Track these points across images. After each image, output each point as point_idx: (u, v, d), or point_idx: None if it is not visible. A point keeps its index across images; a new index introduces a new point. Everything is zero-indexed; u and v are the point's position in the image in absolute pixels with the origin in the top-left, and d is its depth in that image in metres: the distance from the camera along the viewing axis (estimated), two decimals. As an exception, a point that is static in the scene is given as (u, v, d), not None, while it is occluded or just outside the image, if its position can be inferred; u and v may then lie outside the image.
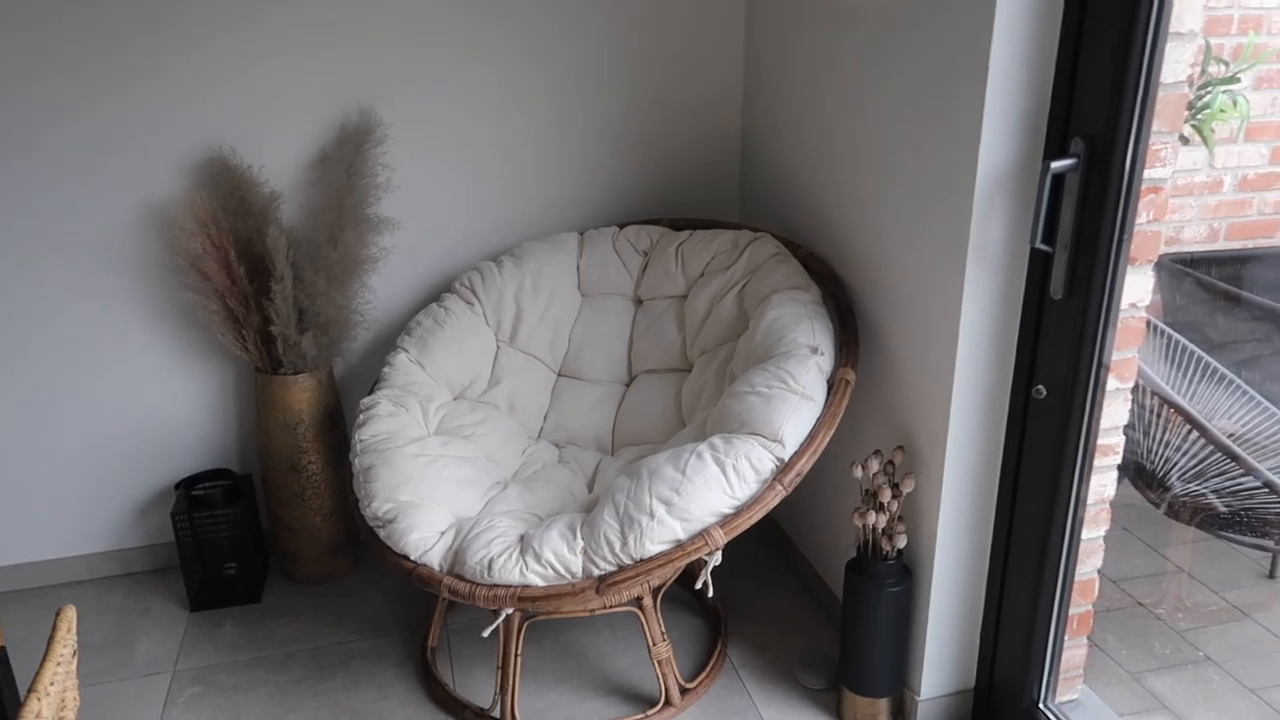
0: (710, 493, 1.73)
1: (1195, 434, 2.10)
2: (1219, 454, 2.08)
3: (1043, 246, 1.58)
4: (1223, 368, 2.35)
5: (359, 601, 2.43)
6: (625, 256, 2.39)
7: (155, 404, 2.45)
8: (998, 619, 1.88)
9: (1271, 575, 2.40)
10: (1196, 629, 2.24)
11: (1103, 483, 1.72)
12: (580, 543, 1.74)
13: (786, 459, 1.78)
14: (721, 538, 1.72)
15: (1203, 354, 2.36)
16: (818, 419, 1.83)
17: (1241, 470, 2.07)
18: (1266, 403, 2.30)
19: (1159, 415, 2.16)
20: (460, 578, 1.77)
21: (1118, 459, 1.72)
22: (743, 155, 2.59)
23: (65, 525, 2.49)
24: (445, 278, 2.52)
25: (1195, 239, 2.43)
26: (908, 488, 1.83)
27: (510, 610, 1.77)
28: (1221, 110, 2.24)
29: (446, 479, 1.95)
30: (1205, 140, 2.26)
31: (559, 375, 2.40)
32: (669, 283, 2.32)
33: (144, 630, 2.33)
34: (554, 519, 1.82)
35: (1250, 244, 2.46)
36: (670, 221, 2.46)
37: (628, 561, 1.72)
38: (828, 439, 1.83)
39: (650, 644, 1.95)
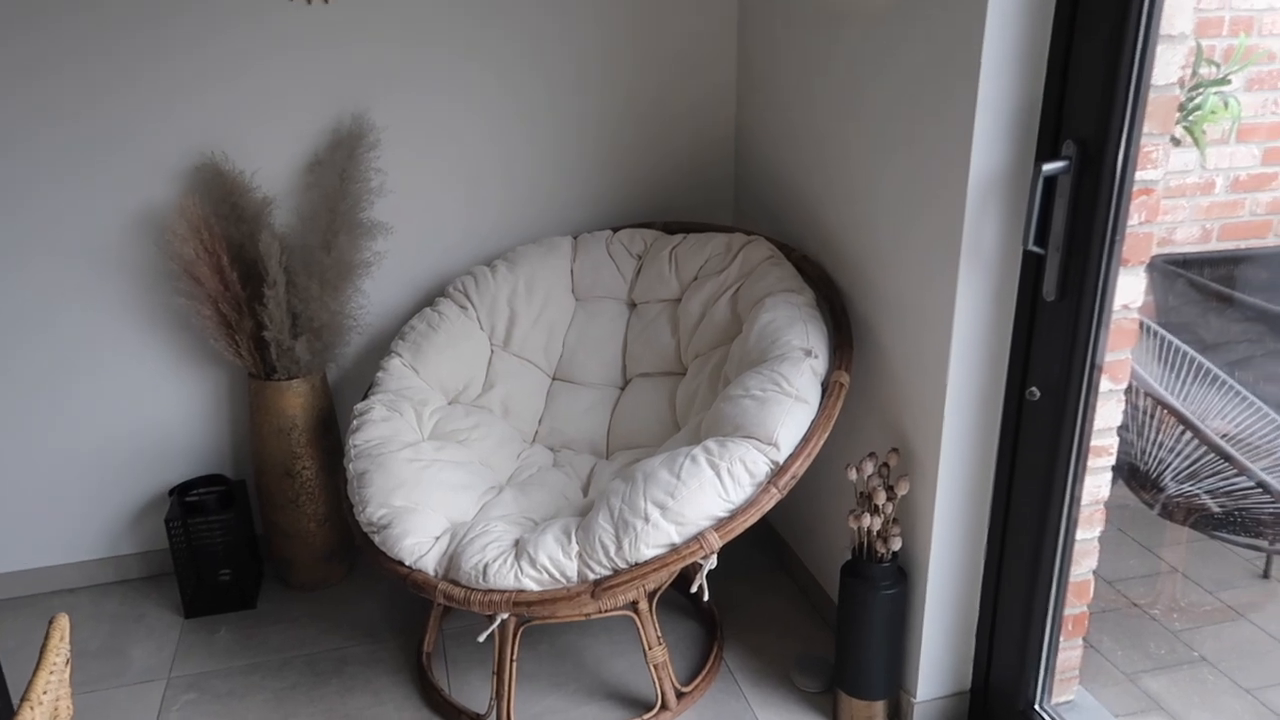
0: (705, 496, 1.73)
1: (1189, 435, 2.10)
2: (1212, 454, 2.09)
3: (1035, 248, 1.58)
4: (1216, 368, 2.35)
5: (354, 607, 2.42)
6: (619, 260, 2.39)
7: (148, 410, 2.44)
8: (993, 621, 1.88)
9: (1265, 575, 2.41)
10: (1191, 629, 2.25)
11: (1097, 484, 1.72)
12: (575, 547, 1.74)
13: (781, 462, 1.78)
14: (716, 541, 1.72)
15: (1196, 355, 2.36)
16: (812, 422, 1.83)
17: (1235, 471, 2.07)
18: (1259, 403, 2.30)
19: (1152, 416, 2.16)
20: (455, 583, 1.77)
21: (1111, 460, 1.72)
22: (736, 159, 2.59)
23: (59, 532, 2.48)
24: (439, 282, 2.52)
25: (1187, 240, 2.43)
26: (902, 490, 1.83)
27: (506, 615, 1.77)
28: (1213, 112, 2.24)
29: (441, 484, 1.95)
30: (1197, 142, 2.27)
31: (553, 379, 2.39)
32: (663, 286, 2.32)
33: (138, 637, 2.33)
34: (549, 523, 1.82)
35: (1243, 245, 2.47)
36: (664, 225, 2.46)
37: (623, 565, 1.72)
38: (822, 442, 1.83)
39: (646, 648, 1.95)
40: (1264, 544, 2.20)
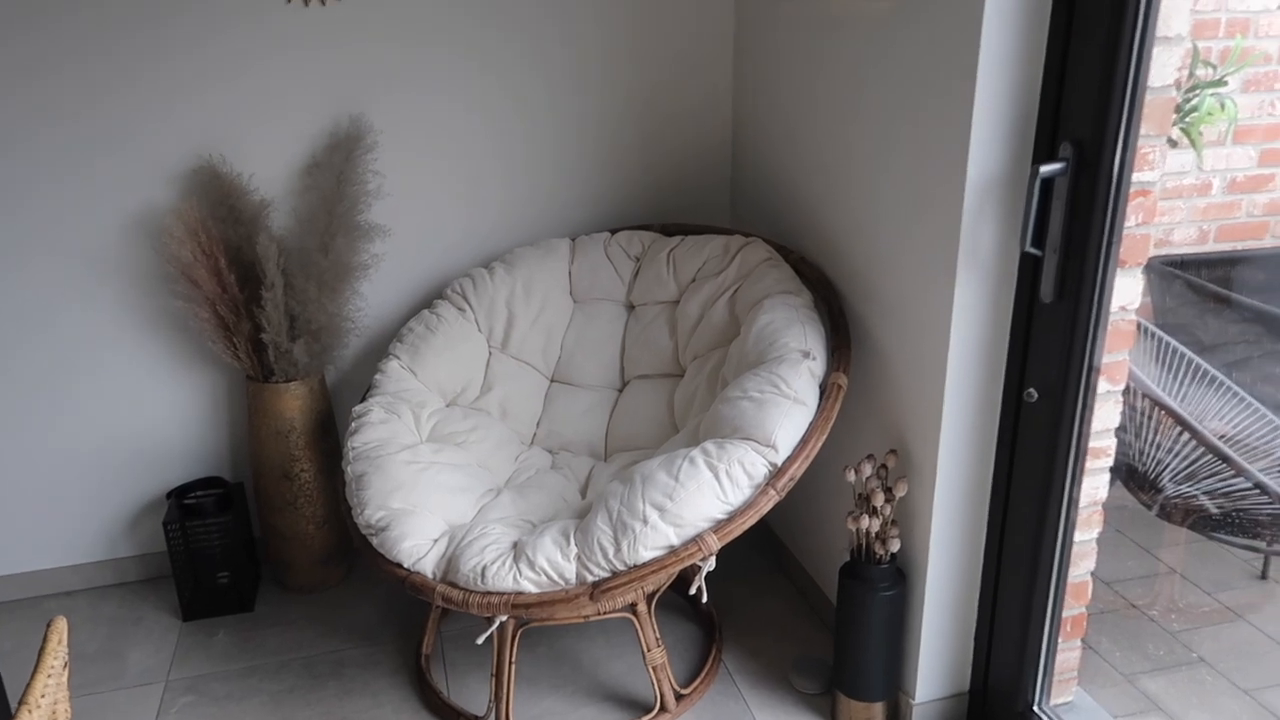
0: (703, 498, 1.73)
1: (1186, 436, 2.10)
2: (1210, 455, 2.09)
3: (1032, 250, 1.58)
4: (1213, 369, 2.36)
5: (352, 610, 2.42)
6: (617, 262, 2.39)
7: (146, 412, 2.44)
8: (992, 622, 1.88)
9: (1263, 576, 2.41)
10: (1190, 630, 2.25)
11: (1095, 485, 1.72)
12: (574, 549, 1.74)
13: (779, 464, 1.78)
14: (715, 543, 1.72)
15: (1193, 356, 2.37)
16: (810, 423, 1.83)
17: (1233, 472, 2.08)
18: (1257, 404, 2.30)
19: (1150, 417, 2.16)
20: (454, 585, 1.77)
21: (1109, 461, 1.72)
22: (734, 160, 2.60)
23: (56, 535, 2.48)
24: (437, 284, 2.52)
25: (1185, 241, 2.44)
26: (901, 491, 1.83)
27: (504, 617, 1.77)
28: (1209, 113, 2.25)
29: (439, 486, 1.95)
30: (1193, 143, 2.27)
31: (551, 381, 2.39)
32: (661, 288, 2.32)
33: (136, 640, 2.32)
34: (547, 525, 1.82)
35: (1240, 246, 2.47)
36: (662, 227, 2.46)
37: (621, 568, 1.72)
38: (820, 443, 1.83)
39: (645, 650, 1.95)
40: (1262, 545, 2.20)
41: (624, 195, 2.57)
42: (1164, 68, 1.45)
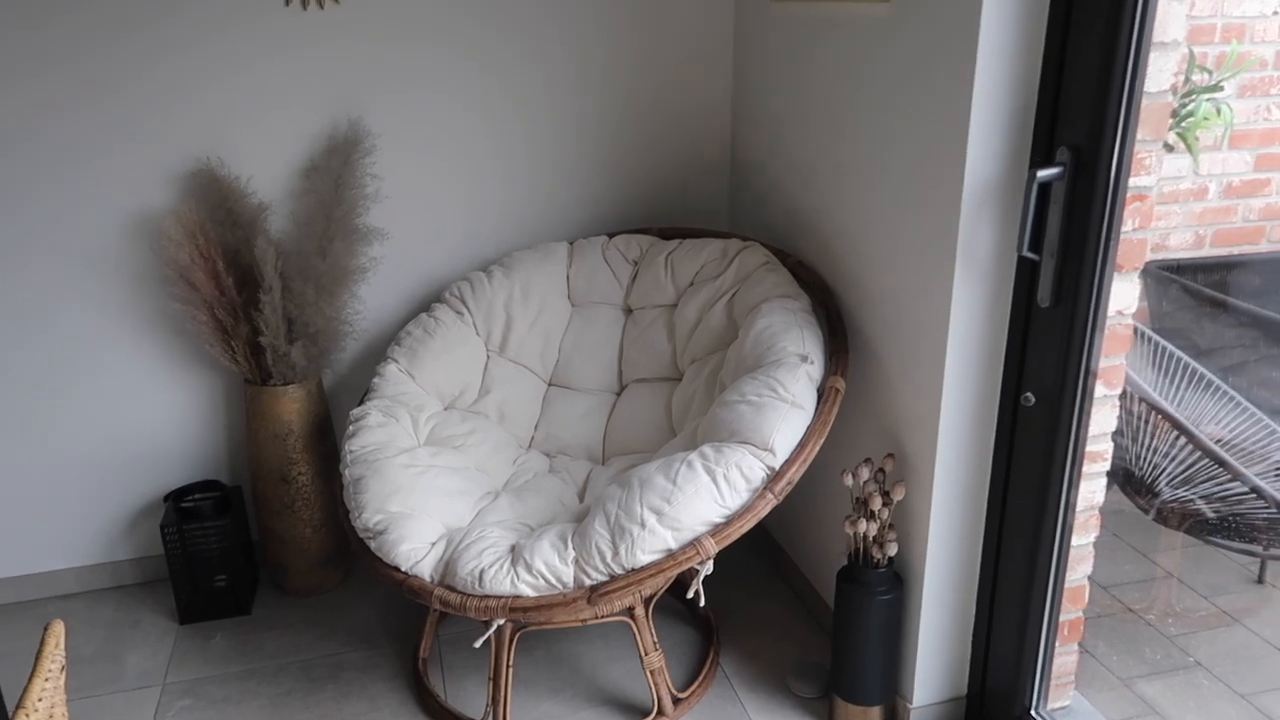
0: (701, 502, 1.73)
1: (1183, 440, 2.11)
2: (1207, 460, 2.09)
3: (1030, 254, 1.59)
4: (1210, 374, 2.36)
5: (350, 613, 2.42)
6: (615, 266, 2.39)
7: (144, 415, 2.44)
8: (989, 626, 1.89)
9: (1260, 580, 2.41)
10: (1186, 634, 2.25)
11: (1092, 489, 1.73)
12: (572, 553, 1.74)
13: (777, 467, 1.78)
14: (713, 547, 1.72)
15: (1190, 360, 2.37)
16: (808, 427, 1.83)
17: (1229, 476, 2.08)
18: (1253, 408, 2.31)
19: (1147, 421, 2.17)
20: (451, 589, 1.77)
21: (1106, 465, 1.72)
22: (732, 164, 2.60)
23: (54, 538, 2.47)
24: (435, 288, 2.52)
25: (1181, 246, 2.44)
26: (898, 495, 1.83)
27: (502, 621, 1.77)
28: (1205, 118, 2.25)
29: (437, 489, 1.95)
30: (1190, 148, 2.28)
31: (549, 385, 2.40)
32: (659, 292, 2.32)
33: (134, 643, 2.32)
34: (545, 529, 1.82)
35: (1236, 250, 2.48)
36: (659, 230, 2.47)
37: (619, 571, 1.72)
38: (818, 447, 1.83)
39: (642, 653, 1.95)
40: (1258, 549, 2.20)
41: (622, 198, 2.57)
42: (1160, 73, 1.46)
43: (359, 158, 2.31)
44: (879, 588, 1.87)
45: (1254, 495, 2.08)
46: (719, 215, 2.66)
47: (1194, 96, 2.23)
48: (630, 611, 1.91)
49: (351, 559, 2.59)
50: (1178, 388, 2.37)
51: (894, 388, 1.89)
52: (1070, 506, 1.70)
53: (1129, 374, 1.80)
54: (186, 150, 2.26)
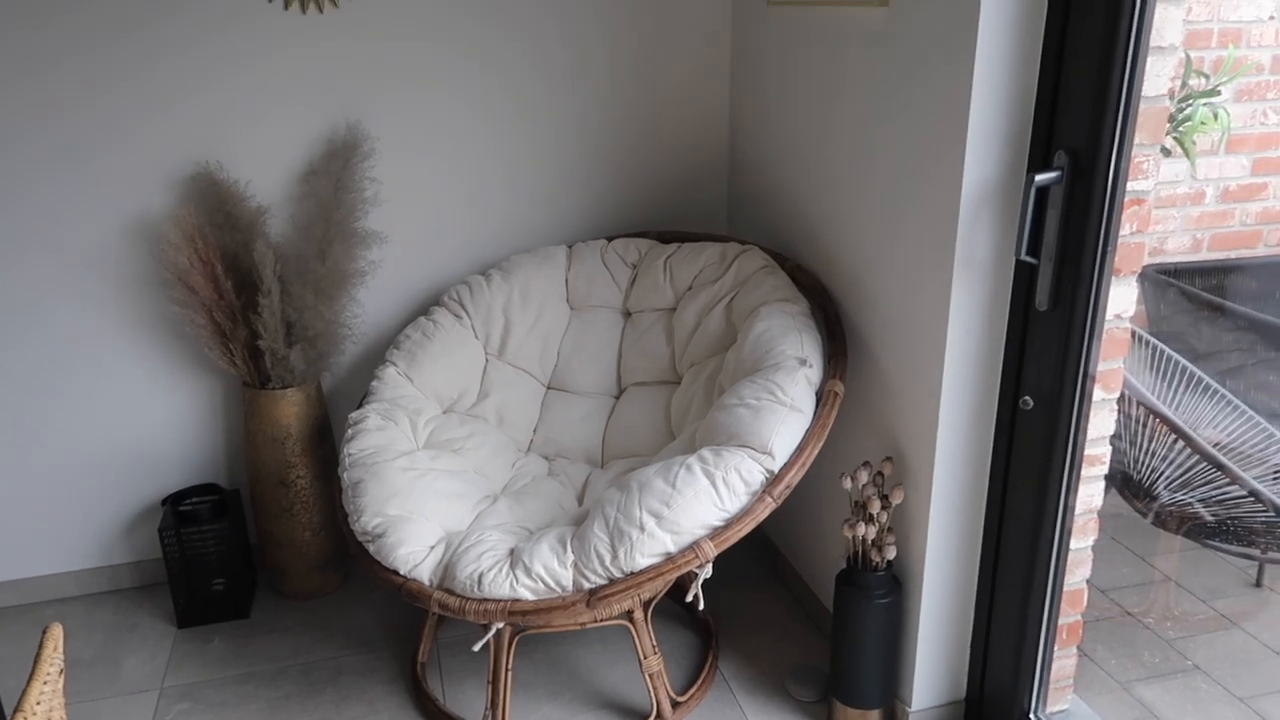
0: (700, 505, 1.73)
1: (1181, 443, 2.11)
2: (1205, 463, 2.09)
3: (1028, 258, 1.59)
4: (1207, 377, 2.36)
5: (348, 616, 2.42)
6: (614, 269, 2.40)
7: (142, 419, 2.43)
8: (988, 630, 1.89)
9: (1258, 584, 2.42)
10: (1185, 638, 2.25)
11: (1090, 493, 1.73)
12: (570, 556, 1.74)
13: (776, 471, 1.78)
14: (711, 550, 1.72)
15: (1187, 364, 2.38)
16: (807, 431, 1.83)
17: (1227, 479, 2.08)
18: (1251, 412, 2.31)
19: (1145, 425, 2.17)
20: (450, 592, 1.77)
21: (1105, 469, 1.73)
22: (731, 167, 2.61)
23: (52, 541, 2.47)
24: (434, 291, 2.52)
25: (1179, 250, 2.45)
26: (897, 499, 1.83)
27: (501, 624, 1.77)
28: (1202, 122, 2.26)
29: (435, 493, 1.95)
30: (1187, 152, 2.29)
31: (548, 388, 2.40)
32: (657, 295, 2.32)
33: (132, 647, 2.32)
34: (544, 532, 1.82)
35: (1233, 254, 2.49)
36: (658, 234, 2.47)
37: (618, 574, 1.72)
38: (817, 451, 1.83)
39: (641, 657, 1.95)
40: (1256, 552, 2.20)
41: (621, 201, 2.58)
42: (1157, 77, 1.46)
43: (358, 161, 2.31)
44: (877, 591, 1.87)
45: (1252, 499, 2.08)
46: (718, 219, 2.66)
47: (1191, 101, 2.23)
48: (629, 615, 1.91)
49: (350, 562, 2.59)
50: (1175, 391, 2.38)
51: (892, 391, 1.90)
52: (1069, 510, 1.70)
53: (1127, 378, 1.81)
54: (185, 153, 2.26)
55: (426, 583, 1.80)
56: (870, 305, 1.94)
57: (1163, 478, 2.18)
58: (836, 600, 1.92)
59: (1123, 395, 1.69)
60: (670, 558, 1.72)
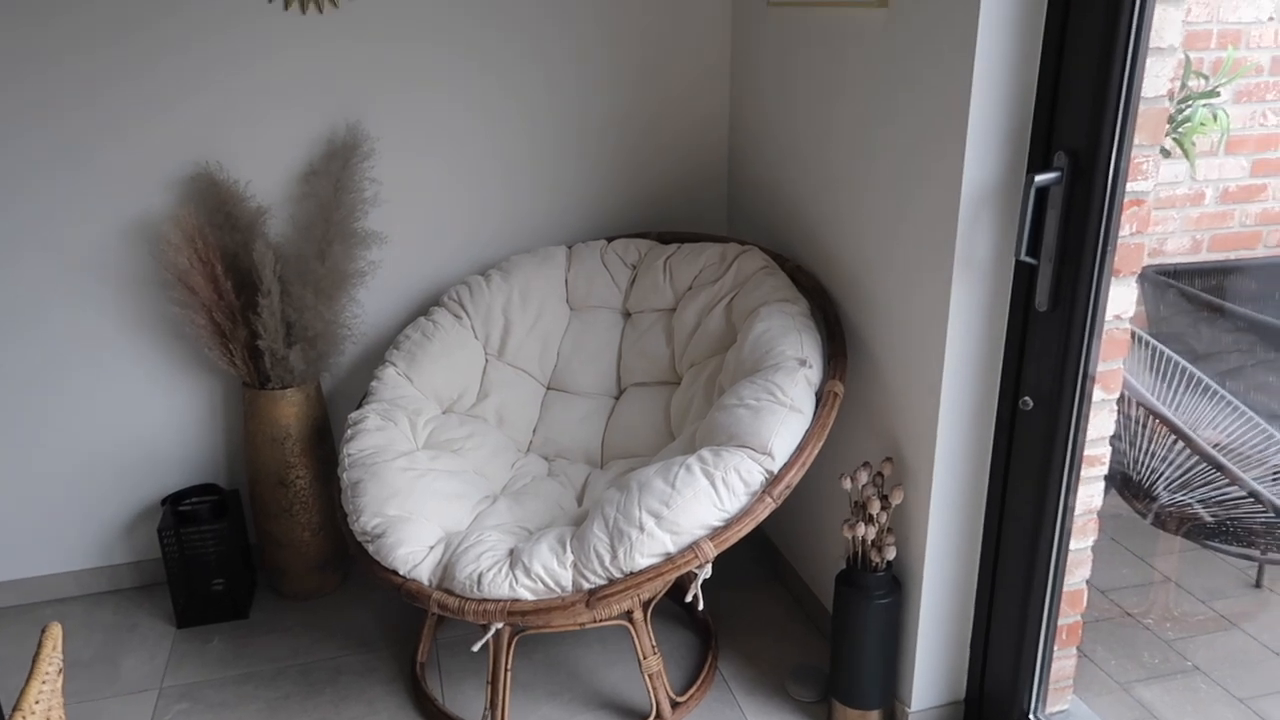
0: (700, 505, 1.73)
1: (1181, 444, 2.11)
2: (1204, 464, 2.10)
3: (1027, 259, 1.59)
4: (1207, 378, 2.37)
5: (348, 617, 2.42)
6: (613, 270, 2.40)
7: (142, 419, 2.43)
8: (987, 630, 1.89)
9: (1258, 584, 2.42)
10: (1184, 638, 2.25)
11: (1090, 493, 1.73)
12: (570, 556, 1.74)
13: (775, 471, 1.78)
14: (711, 550, 1.72)
15: (1187, 365, 2.38)
16: (806, 431, 1.83)
17: (1227, 480, 2.08)
18: (1250, 413, 2.31)
19: (1145, 426, 2.17)
20: (449, 592, 1.77)
21: (1104, 469, 1.73)
22: (730, 168, 2.61)
23: (52, 541, 2.47)
24: (433, 291, 2.52)
25: (1178, 251, 2.45)
26: (896, 499, 1.83)
27: (500, 625, 1.76)
28: (1202, 123, 2.26)
29: (435, 493, 1.95)
30: (1186, 153, 2.29)
31: (548, 388, 2.40)
32: (657, 295, 2.32)
33: (131, 647, 2.32)
34: (543, 532, 1.82)
35: (1233, 255, 2.49)
36: (658, 235, 2.47)
37: (618, 575, 1.72)
38: (816, 451, 1.83)
39: (641, 657, 1.95)
40: (1256, 553, 2.20)
41: (621, 202, 2.58)
42: (1157, 78, 1.46)
43: (358, 161, 2.31)
44: (877, 591, 1.87)
45: (1251, 499, 2.08)
46: (717, 219, 2.66)
47: (1191, 102, 2.23)
48: (629, 615, 1.91)
49: (349, 562, 2.58)
50: (1175, 392, 2.38)
51: (892, 392, 1.90)
52: (1068, 510, 1.70)
53: (1127, 378, 1.81)
54: (185, 153, 2.26)
55: (426, 583, 1.80)
56: (870, 306, 1.95)
57: (1162, 478, 2.18)
58: (836, 600, 1.92)
59: (1122, 396, 1.69)
60: (670, 558, 1.72)
